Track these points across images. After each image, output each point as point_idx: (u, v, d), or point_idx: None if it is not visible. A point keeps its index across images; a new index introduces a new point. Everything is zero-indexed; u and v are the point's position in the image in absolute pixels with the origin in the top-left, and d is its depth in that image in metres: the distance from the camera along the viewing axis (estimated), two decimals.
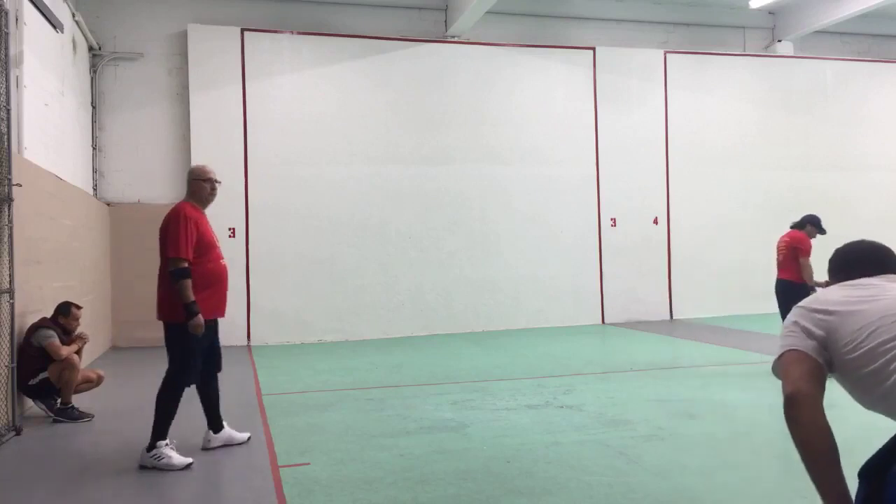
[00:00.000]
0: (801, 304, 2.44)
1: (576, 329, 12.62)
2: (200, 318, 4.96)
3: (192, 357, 5.10)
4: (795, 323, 2.37)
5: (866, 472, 2.44)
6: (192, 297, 4.94)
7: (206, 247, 5.15)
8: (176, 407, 5.09)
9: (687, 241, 13.90)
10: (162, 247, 5.12)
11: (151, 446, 4.93)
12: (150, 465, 4.89)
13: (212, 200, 5.40)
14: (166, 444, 4.95)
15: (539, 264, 13.01)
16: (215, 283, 5.25)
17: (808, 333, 2.34)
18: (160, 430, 4.97)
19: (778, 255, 8.60)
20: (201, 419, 5.57)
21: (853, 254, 2.62)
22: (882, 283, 2.41)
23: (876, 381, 2.29)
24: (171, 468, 4.84)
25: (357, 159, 12.34)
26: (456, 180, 12.72)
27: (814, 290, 7.85)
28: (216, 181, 5.37)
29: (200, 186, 5.33)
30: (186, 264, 5.01)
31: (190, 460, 4.96)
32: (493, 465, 4.89)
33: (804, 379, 2.35)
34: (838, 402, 6.93)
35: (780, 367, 2.38)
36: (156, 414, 5.04)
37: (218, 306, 5.29)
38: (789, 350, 2.35)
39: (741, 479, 4.59)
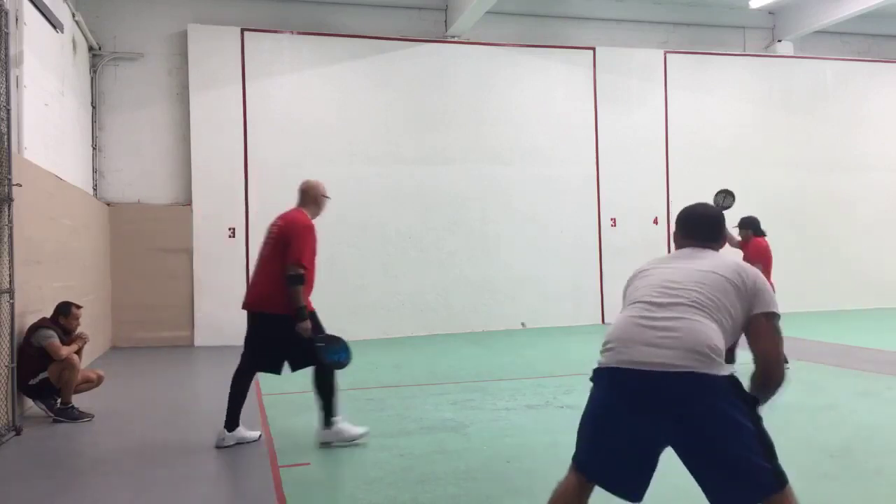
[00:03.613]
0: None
1: (576, 329, 12.61)
2: (308, 322, 5.36)
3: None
4: None
5: None
6: (303, 302, 5.34)
7: (313, 257, 5.56)
8: (335, 385, 5.34)
9: None
10: (283, 247, 5.39)
11: (330, 424, 5.25)
12: (334, 441, 5.24)
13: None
14: (341, 420, 5.30)
15: (539, 264, 13.00)
16: (311, 290, 5.68)
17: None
18: (332, 409, 5.28)
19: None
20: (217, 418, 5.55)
21: (680, 220, 3.13)
22: (677, 260, 2.94)
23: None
24: (353, 438, 5.27)
25: (357, 159, 12.33)
26: (456, 180, 12.71)
27: None
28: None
29: (320, 202, 5.86)
30: (303, 271, 5.35)
31: (363, 430, 5.33)
32: (493, 465, 4.89)
33: None
34: (837, 403, 6.96)
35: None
36: (325, 398, 5.28)
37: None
38: None
39: None
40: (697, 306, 2.67)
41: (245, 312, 5.59)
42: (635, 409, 2.63)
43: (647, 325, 2.66)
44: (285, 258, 5.26)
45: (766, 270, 7.67)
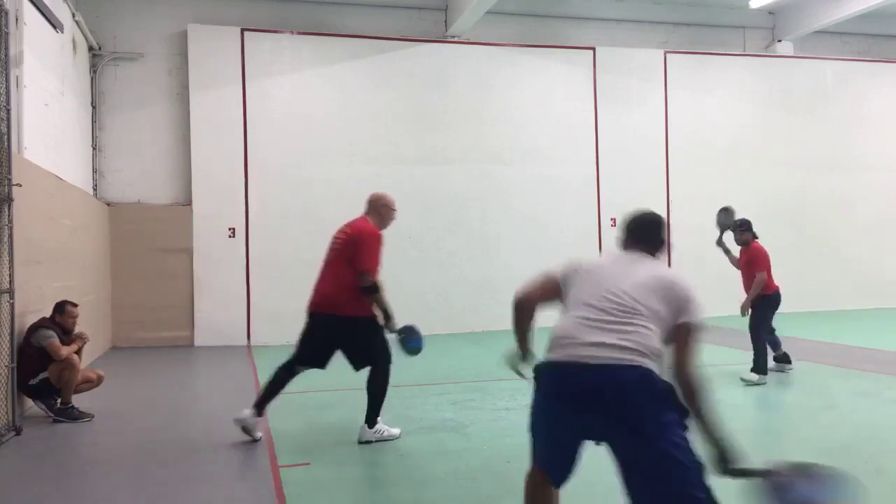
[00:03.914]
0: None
1: None
2: (395, 321, 5.67)
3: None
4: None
5: None
6: (386, 305, 5.65)
7: (378, 265, 5.71)
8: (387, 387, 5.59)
9: (687, 241, 13.87)
10: (351, 254, 5.48)
11: (373, 423, 5.45)
12: (375, 440, 5.41)
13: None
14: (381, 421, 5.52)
15: (539, 264, 12.85)
16: None
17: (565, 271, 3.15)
18: (378, 409, 5.50)
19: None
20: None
21: (624, 225, 3.30)
22: (617, 264, 3.11)
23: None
24: (392, 438, 5.46)
25: (357, 159, 12.33)
26: (456, 180, 12.71)
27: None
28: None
29: (384, 214, 5.92)
30: (373, 280, 5.55)
31: (399, 431, 5.56)
32: (493, 465, 4.89)
33: (537, 288, 3.20)
34: (837, 403, 6.94)
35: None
36: (375, 399, 5.51)
37: None
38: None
39: (741, 479, 4.58)
40: (634, 313, 2.82)
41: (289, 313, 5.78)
42: (580, 405, 2.76)
43: (593, 327, 2.82)
44: (354, 266, 5.42)
45: (769, 274, 7.59)
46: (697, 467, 2.73)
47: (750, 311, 7.59)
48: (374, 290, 5.44)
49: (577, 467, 2.98)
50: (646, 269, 3.01)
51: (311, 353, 5.70)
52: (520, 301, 3.19)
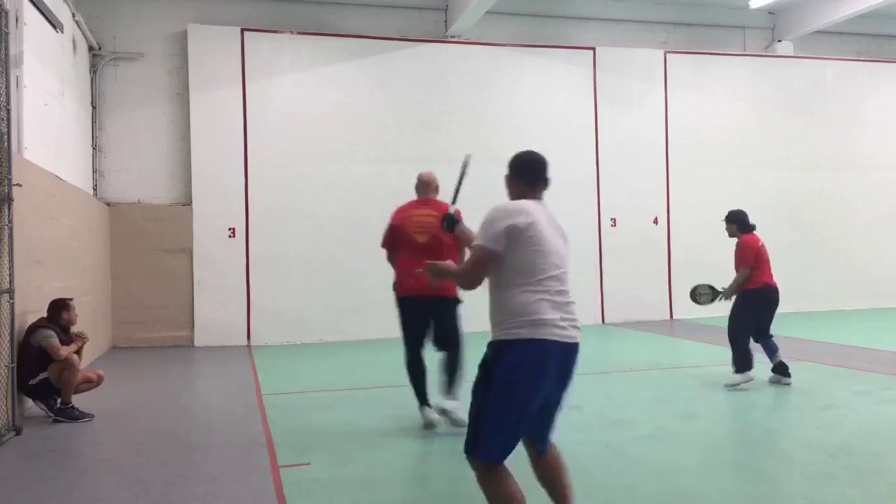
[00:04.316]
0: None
1: None
2: None
3: None
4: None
5: None
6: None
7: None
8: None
9: (687, 241, 13.89)
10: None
11: (452, 395, 5.68)
12: (452, 411, 5.60)
13: None
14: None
15: None
16: None
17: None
18: (454, 384, 5.76)
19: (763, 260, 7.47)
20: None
21: (526, 166, 3.55)
22: (543, 214, 3.29)
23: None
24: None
25: (357, 159, 12.34)
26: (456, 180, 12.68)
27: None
28: None
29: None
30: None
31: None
32: None
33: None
34: (836, 403, 6.95)
35: None
36: (449, 376, 5.74)
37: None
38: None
39: (741, 479, 4.59)
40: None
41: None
42: (558, 373, 3.12)
43: (563, 302, 3.12)
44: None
45: (752, 271, 7.24)
46: None
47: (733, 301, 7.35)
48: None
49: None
50: (559, 228, 3.34)
51: (419, 337, 5.95)
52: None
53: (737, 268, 7.33)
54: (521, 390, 3.00)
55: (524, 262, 3.08)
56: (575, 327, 3.11)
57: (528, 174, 3.44)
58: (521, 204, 3.22)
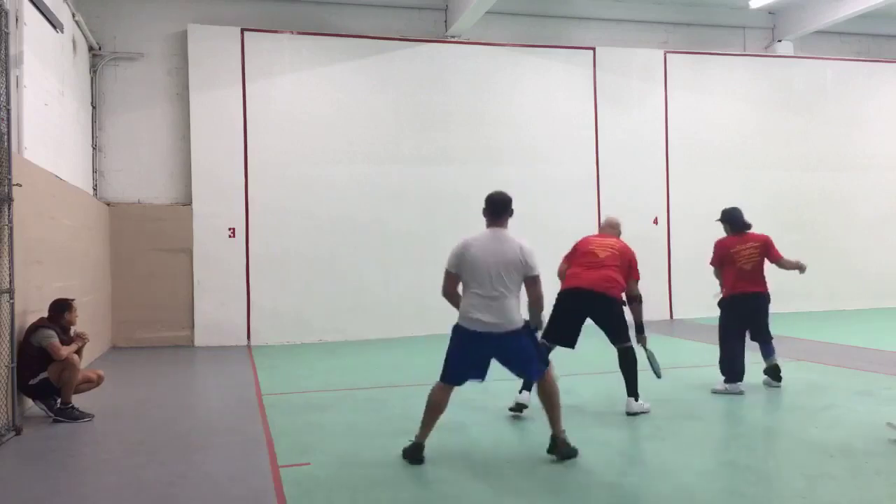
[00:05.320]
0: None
1: None
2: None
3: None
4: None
5: None
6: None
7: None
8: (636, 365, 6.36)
9: (687, 241, 13.88)
10: (627, 264, 6.53)
11: (637, 396, 6.24)
12: (639, 411, 6.17)
13: None
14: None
15: (539, 264, 12.95)
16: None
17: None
18: (633, 385, 6.27)
19: (747, 263, 7.12)
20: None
21: (488, 203, 5.44)
22: (483, 243, 5.15)
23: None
24: (644, 411, 6.19)
25: (357, 159, 12.34)
26: (456, 180, 12.70)
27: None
28: None
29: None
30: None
31: (649, 406, 6.24)
32: (492, 465, 4.89)
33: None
34: (836, 403, 6.94)
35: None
36: (632, 377, 6.27)
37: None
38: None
39: (741, 479, 4.59)
40: (506, 288, 4.87)
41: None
42: (482, 345, 4.91)
43: (487, 299, 4.89)
44: (630, 275, 6.51)
45: (723, 273, 7.16)
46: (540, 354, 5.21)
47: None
48: (639, 300, 6.59)
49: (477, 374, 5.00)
50: (507, 245, 5.08)
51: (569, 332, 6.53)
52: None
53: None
54: (451, 350, 5.05)
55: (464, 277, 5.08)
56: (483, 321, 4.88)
57: (488, 210, 5.35)
58: (465, 239, 5.23)
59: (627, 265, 6.47)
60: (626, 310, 6.45)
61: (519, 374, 5.16)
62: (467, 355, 4.94)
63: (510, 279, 4.85)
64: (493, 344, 4.86)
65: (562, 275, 6.76)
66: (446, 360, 5.01)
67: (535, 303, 4.99)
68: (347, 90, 12.38)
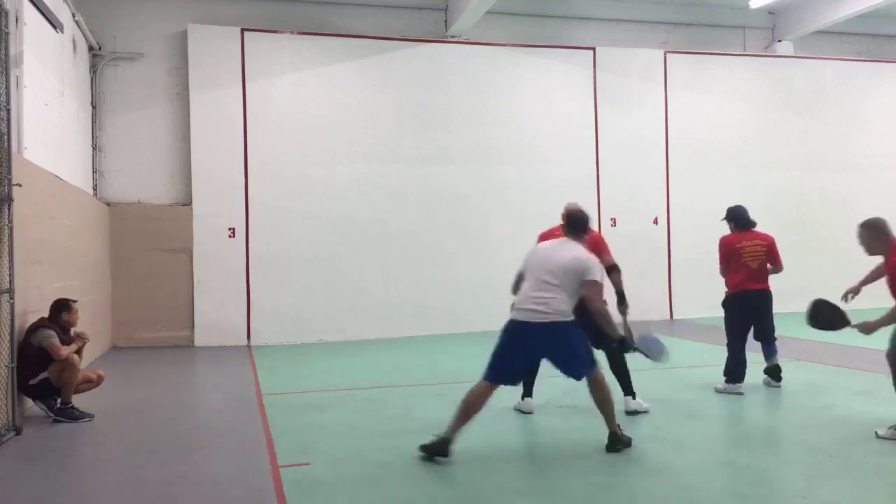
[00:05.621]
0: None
1: None
2: None
3: None
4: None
5: None
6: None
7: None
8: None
9: (687, 241, 13.88)
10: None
11: (633, 395, 6.33)
12: (638, 409, 6.22)
13: None
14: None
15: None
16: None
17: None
18: (629, 384, 6.37)
19: (753, 260, 7.10)
20: None
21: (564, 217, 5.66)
22: (551, 246, 5.44)
23: None
24: (644, 410, 6.22)
25: (357, 159, 12.34)
26: (456, 180, 12.70)
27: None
28: None
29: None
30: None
31: (647, 406, 6.27)
32: (493, 465, 4.89)
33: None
34: (836, 403, 6.93)
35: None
36: (624, 376, 6.33)
37: None
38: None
39: (741, 479, 4.59)
40: (556, 285, 5.02)
41: None
42: (527, 337, 5.01)
43: (533, 296, 5.05)
44: (601, 256, 6.35)
45: (727, 270, 7.13)
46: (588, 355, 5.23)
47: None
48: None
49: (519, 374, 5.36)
50: (571, 251, 5.21)
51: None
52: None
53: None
54: (497, 346, 5.17)
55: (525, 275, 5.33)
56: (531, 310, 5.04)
57: (563, 223, 5.65)
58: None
59: (596, 252, 6.00)
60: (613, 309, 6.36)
61: (567, 372, 5.12)
62: (513, 350, 5.05)
63: (562, 278, 5.03)
64: (540, 335, 4.96)
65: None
66: (491, 357, 5.08)
67: (592, 305, 5.05)
68: (347, 90, 12.38)
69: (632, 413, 6.15)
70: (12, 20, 6.90)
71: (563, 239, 5.39)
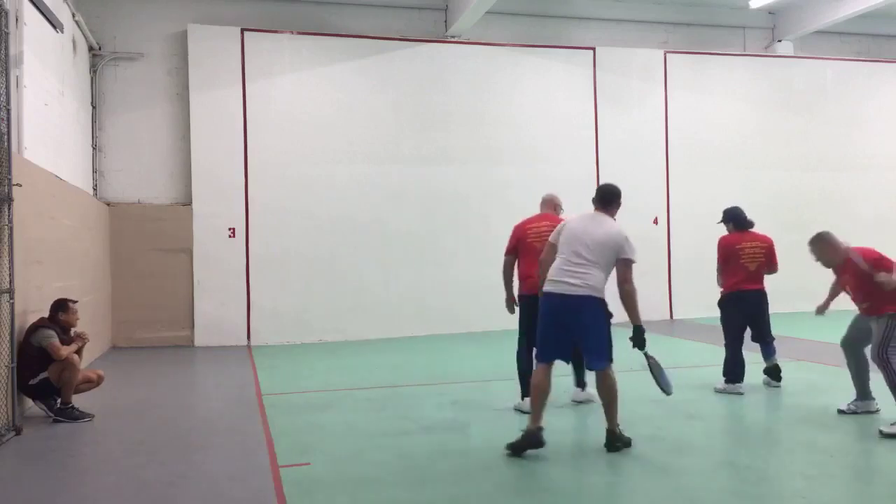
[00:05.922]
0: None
1: None
2: None
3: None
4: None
5: None
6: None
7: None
8: None
9: (687, 241, 13.88)
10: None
11: (583, 385, 6.58)
12: (585, 401, 6.48)
13: None
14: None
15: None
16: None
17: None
18: (582, 375, 6.61)
19: (752, 262, 7.14)
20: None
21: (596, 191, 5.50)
22: (583, 220, 5.28)
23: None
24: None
25: (357, 159, 12.34)
26: (456, 180, 12.70)
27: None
28: None
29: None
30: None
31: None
32: (493, 465, 4.89)
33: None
34: (836, 403, 6.93)
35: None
36: (577, 366, 6.45)
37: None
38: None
39: (741, 479, 4.59)
40: (591, 261, 5.04)
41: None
42: (561, 311, 5.07)
43: (567, 270, 5.05)
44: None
45: (724, 271, 7.17)
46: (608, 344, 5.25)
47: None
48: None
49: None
50: (604, 227, 5.16)
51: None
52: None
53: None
54: (539, 326, 5.28)
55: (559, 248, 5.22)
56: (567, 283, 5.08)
57: (596, 197, 5.40)
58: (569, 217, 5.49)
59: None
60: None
61: (587, 352, 5.15)
62: (550, 326, 5.11)
63: (598, 254, 5.02)
64: (574, 307, 5.00)
65: (508, 269, 6.73)
66: (538, 339, 5.22)
67: (624, 286, 5.07)
68: (347, 90, 12.38)
69: (578, 403, 6.55)
70: (12, 20, 6.90)
71: (594, 213, 5.29)
